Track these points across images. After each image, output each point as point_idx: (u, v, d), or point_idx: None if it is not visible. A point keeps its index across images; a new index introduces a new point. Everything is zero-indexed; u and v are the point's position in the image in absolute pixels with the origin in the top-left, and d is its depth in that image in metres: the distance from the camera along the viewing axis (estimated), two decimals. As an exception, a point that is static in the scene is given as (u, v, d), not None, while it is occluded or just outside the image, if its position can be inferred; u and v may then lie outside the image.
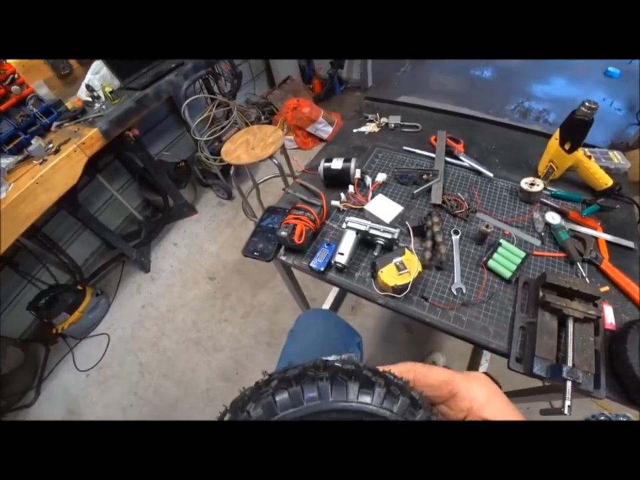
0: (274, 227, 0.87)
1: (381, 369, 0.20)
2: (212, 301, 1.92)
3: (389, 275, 0.68)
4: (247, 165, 1.57)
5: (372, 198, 0.87)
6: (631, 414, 0.36)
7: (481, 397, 0.22)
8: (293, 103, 2.49)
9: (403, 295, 0.68)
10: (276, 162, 1.54)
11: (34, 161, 1.30)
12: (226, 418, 0.20)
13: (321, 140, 2.65)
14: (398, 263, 0.68)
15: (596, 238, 0.77)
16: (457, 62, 3.68)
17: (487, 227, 0.74)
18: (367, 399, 0.18)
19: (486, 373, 0.26)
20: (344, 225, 0.78)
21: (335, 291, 1.60)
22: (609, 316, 0.65)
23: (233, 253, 2.09)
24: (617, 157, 0.89)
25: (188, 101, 1.76)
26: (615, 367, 0.59)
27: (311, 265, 0.76)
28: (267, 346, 1.72)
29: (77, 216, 1.66)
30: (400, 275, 0.67)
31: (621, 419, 0.36)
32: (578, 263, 0.73)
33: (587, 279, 0.71)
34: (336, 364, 0.19)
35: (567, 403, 0.55)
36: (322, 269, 0.75)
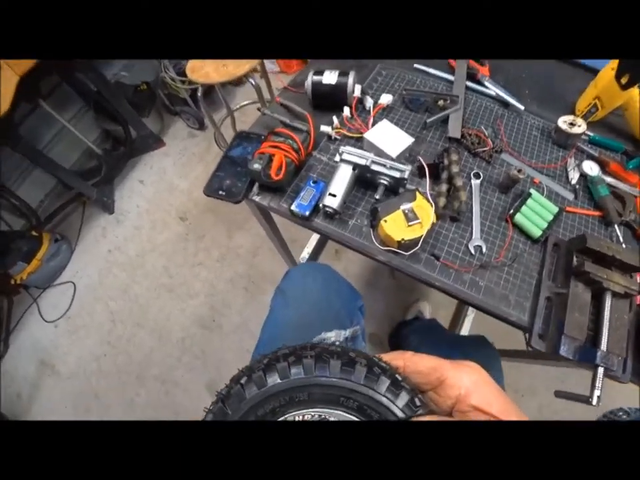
0: (246, 157, 0.65)
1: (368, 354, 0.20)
2: (184, 243, 1.72)
3: (395, 226, 0.50)
4: (219, 85, 1.25)
5: (373, 125, 0.64)
6: None
7: (470, 384, 0.21)
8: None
9: (411, 252, 0.51)
10: (253, 83, 1.23)
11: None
12: (222, 391, 0.20)
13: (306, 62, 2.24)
14: (407, 211, 0.50)
15: (636, 197, 0.61)
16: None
17: (520, 171, 0.56)
18: (347, 375, 0.18)
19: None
20: (337, 158, 0.58)
21: (316, 235, 1.44)
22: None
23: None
24: (671, 97, 0.70)
25: None
26: None
27: (292, 208, 0.57)
28: (245, 291, 1.58)
29: (19, 151, 1.32)
30: (409, 226, 0.49)
31: None
32: (616, 225, 0.58)
33: (623, 244, 0.57)
34: (324, 345, 0.19)
35: (597, 393, 0.43)
36: (307, 214, 0.56)
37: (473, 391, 0.20)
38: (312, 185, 0.59)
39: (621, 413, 0.38)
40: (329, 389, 0.18)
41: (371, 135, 0.61)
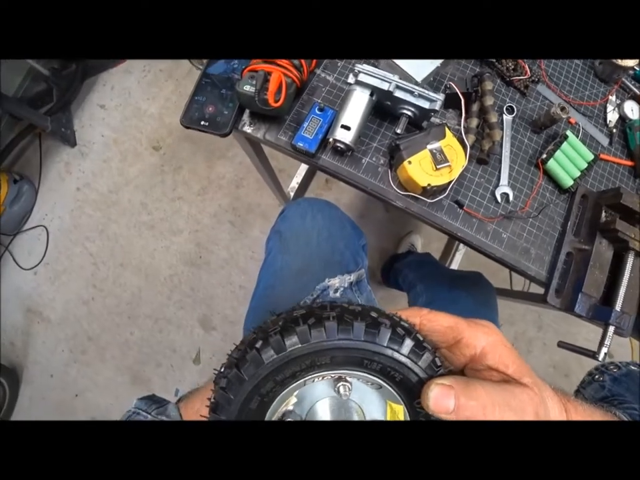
0: (231, 76, 0.50)
1: (387, 311, 0.19)
2: (160, 176, 1.52)
3: (421, 170, 0.40)
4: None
5: (394, 39, 0.50)
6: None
7: (486, 344, 0.20)
8: None
9: (437, 199, 0.42)
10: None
11: None
12: (235, 355, 0.18)
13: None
14: (435, 151, 0.40)
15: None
16: None
17: (563, 109, 0.46)
18: (371, 338, 0.17)
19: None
20: (350, 79, 0.44)
21: (306, 165, 1.31)
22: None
23: (179, 114, 1.55)
24: None
25: None
26: None
27: (294, 143, 0.45)
28: (231, 225, 1.47)
29: None
30: (437, 169, 0.40)
31: (632, 367, 0.36)
32: (645, 177, 0.52)
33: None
34: (343, 304, 0.18)
35: (604, 350, 0.42)
36: (313, 150, 0.45)
37: (489, 351, 0.20)
38: (318, 112, 0.46)
39: (612, 367, 0.38)
40: (353, 352, 0.17)
41: (392, 49, 0.47)
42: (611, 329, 0.42)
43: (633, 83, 0.56)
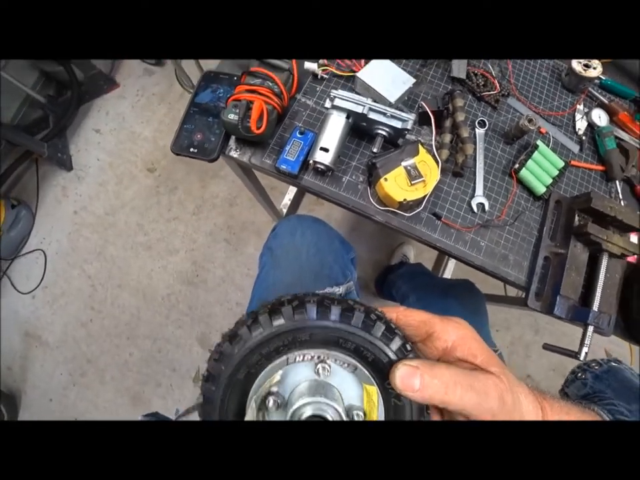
0: (217, 105, 0.54)
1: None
2: (156, 197, 1.57)
3: (396, 186, 0.43)
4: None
5: (367, 63, 0.54)
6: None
7: (456, 338, 0.22)
8: None
9: (413, 212, 0.45)
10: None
11: None
12: (228, 333, 0.21)
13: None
14: (409, 168, 0.44)
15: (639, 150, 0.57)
16: None
17: (530, 121, 0.49)
18: (347, 320, 0.20)
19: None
20: (327, 104, 0.48)
21: (291, 191, 1.36)
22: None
23: (172, 137, 1.62)
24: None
25: None
26: (626, 304, 0.48)
27: (278, 165, 0.48)
28: (226, 243, 1.51)
29: None
30: (412, 185, 0.43)
31: (613, 364, 0.38)
32: (616, 182, 0.55)
33: (622, 202, 0.54)
34: (325, 294, 0.21)
35: (585, 349, 0.44)
36: (295, 172, 0.48)
37: (459, 344, 0.22)
38: (299, 136, 0.50)
39: (594, 364, 0.40)
40: (330, 331, 0.20)
41: (364, 74, 0.51)
42: (590, 328, 0.44)
43: (599, 91, 0.60)
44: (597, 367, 0.38)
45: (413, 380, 0.19)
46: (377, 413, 0.21)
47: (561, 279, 0.46)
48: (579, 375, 0.39)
